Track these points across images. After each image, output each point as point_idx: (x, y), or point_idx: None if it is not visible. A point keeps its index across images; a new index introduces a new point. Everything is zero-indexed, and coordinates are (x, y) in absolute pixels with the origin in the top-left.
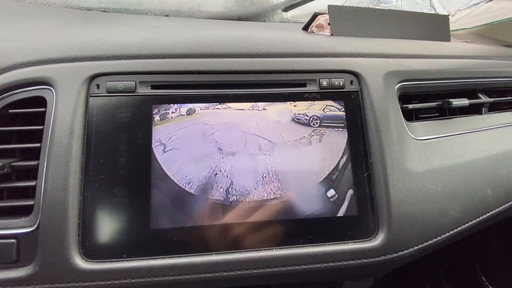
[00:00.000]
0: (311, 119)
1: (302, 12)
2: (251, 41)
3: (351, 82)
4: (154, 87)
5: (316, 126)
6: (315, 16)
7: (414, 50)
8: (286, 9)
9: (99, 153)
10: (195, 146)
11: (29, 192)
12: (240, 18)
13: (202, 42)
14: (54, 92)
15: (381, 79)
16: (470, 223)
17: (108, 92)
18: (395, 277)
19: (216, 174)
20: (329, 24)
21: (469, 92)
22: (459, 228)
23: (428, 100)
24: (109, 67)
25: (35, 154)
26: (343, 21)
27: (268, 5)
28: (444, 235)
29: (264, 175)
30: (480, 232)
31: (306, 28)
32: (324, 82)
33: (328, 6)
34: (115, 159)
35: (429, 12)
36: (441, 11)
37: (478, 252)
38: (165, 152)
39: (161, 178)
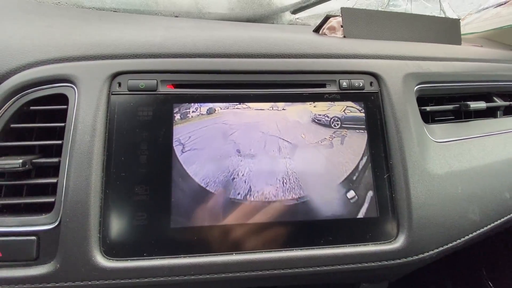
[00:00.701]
0: (331, 120)
1: (309, 14)
2: (269, 41)
3: (371, 84)
4: (175, 86)
5: (337, 127)
6: (327, 18)
7: (430, 53)
8: (295, 11)
9: (120, 151)
10: (215, 146)
11: (48, 189)
12: (248, 20)
13: (221, 42)
14: (76, 89)
15: (401, 80)
16: (489, 226)
17: (129, 90)
18: (400, 280)
19: (237, 174)
20: (341, 26)
21: (484, 95)
22: (478, 231)
23: (443, 102)
24: (130, 65)
25: (55, 151)
26: (356, 23)
27: (277, 7)
28: (463, 238)
29: (284, 175)
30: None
31: (317, 30)
32: (344, 83)
33: (341, 8)
34: (136, 157)
35: (441, 16)
36: (451, 14)
37: (484, 256)
38: (185, 151)
39: (181, 177)
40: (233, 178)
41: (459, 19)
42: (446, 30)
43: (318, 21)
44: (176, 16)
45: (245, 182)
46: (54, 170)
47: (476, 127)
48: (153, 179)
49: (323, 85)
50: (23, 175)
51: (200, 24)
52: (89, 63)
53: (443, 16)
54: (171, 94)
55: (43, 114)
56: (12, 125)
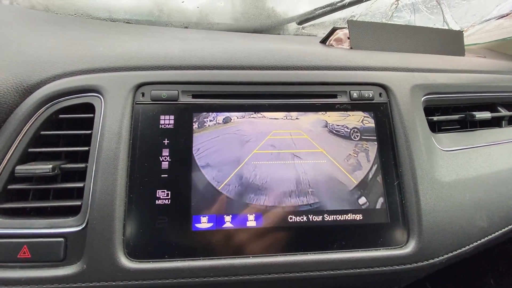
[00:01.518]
0: (342, 127)
1: (313, 23)
2: (283, 54)
3: (380, 94)
4: (195, 96)
5: (348, 136)
6: (333, 30)
7: (436, 65)
8: (301, 23)
9: (143, 157)
10: (232, 153)
11: (73, 193)
12: (255, 30)
13: (237, 55)
14: (102, 99)
15: (408, 91)
16: (497, 233)
17: (152, 100)
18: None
19: (252, 180)
20: (348, 38)
21: (489, 105)
22: (487, 238)
23: (449, 112)
24: (153, 77)
25: (80, 157)
26: (362, 35)
27: (283, 19)
28: (472, 244)
29: (298, 182)
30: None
31: (324, 41)
32: (355, 94)
33: (348, 21)
34: (158, 163)
35: (444, 28)
36: (454, 26)
37: (492, 266)
38: (204, 157)
39: (201, 182)
40: (249, 184)
41: (462, 31)
42: (450, 41)
43: (323, 31)
44: (186, 27)
45: (260, 188)
46: (79, 174)
47: (482, 136)
48: (174, 184)
49: (335, 96)
50: (50, 179)
51: (212, 36)
52: (115, 74)
53: (446, 27)
54: (191, 104)
55: (69, 122)
56: (42, 132)
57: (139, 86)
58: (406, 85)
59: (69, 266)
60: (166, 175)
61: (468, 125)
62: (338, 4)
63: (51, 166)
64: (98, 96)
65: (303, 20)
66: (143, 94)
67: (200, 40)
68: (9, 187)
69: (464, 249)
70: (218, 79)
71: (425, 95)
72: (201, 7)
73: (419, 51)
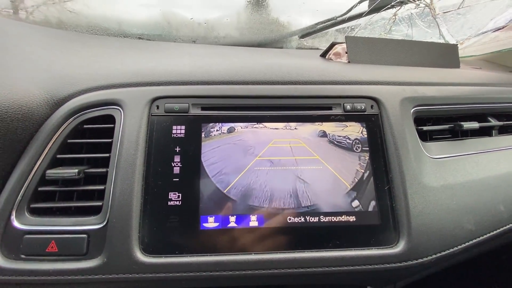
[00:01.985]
0: (337, 136)
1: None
2: (283, 70)
3: (372, 107)
4: (203, 108)
5: (343, 143)
6: (332, 45)
7: (427, 78)
8: (303, 36)
9: (157, 163)
10: (236, 160)
11: (94, 194)
12: (259, 44)
13: (241, 71)
14: (122, 111)
15: (398, 104)
16: (485, 236)
17: (166, 112)
18: None
19: (255, 184)
20: (346, 52)
21: (479, 115)
22: (474, 240)
23: (441, 122)
24: (167, 91)
25: (101, 162)
26: (360, 50)
27: (286, 33)
28: (460, 246)
29: (296, 186)
30: (498, 252)
31: (324, 55)
32: (348, 106)
33: (346, 37)
34: (170, 168)
35: (439, 42)
36: (450, 39)
37: (496, 273)
38: (211, 163)
39: (208, 185)
40: (252, 188)
41: (457, 44)
42: (445, 54)
43: (324, 44)
44: (194, 41)
45: (262, 191)
46: (99, 178)
47: (471, 145)
48: (184, 187)
49: (330, 108)
50: (75, 182)
51: (219, 51)
52: (133, 90)
53: (443, 40)
54: (200, 115)
55: (92, 130)
56: (69, 140)
57: (154, 99)
58: (396, 98)
59: (91, 260)
60: (177, 179)
61: (459, 134)
62: (339, 19)
63: (77, 170)
64: (118, 109)
65: (305, 34)
66: (157, 107)
67: (209, 56)
68: (40, 189)
69: (452, 250)
70: (224, 93)
71: (414, 107)
72: (208, 23)
73: (414, 64)
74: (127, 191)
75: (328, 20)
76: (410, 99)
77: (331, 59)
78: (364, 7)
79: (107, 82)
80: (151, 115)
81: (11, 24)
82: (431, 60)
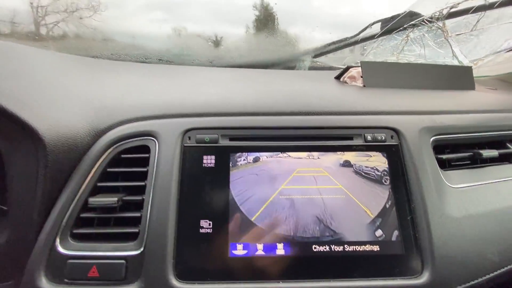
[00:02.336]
0: (359, 166)
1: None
2: (304, 100)
3: (392, 137)
4: (231, 139)
5: (365, 172)
6: (347, 68)
7: (444, 106)
8: (316, 56)
9: (190, 191)
10: (262, 188)
11: (131, 221)
12: (273, 64)
13: (266, 103)
14: (156, 142)
15: (417, 134)
16: (509, 267)
17: (197, 142)
18: None
19: (281, 212)
20: (361, 76)
21: (498, 142)
22: (498, 271)
23: (460, 149)
24: (198, 123)
25: (137, 190)
26: (375, 74)
27: (299, 53)
28: (484, 277)
29: (320, 214)
30: None
31: (338, 77)
32: (369, 137)
33: (361, 62)
34: (201, 197)
35: (452, 62)
36: (463, 59)
37: None
38: (239, 192)
39: (237, 214)
40: (278, 216)
41: (471, 66)
42: (460, 77)
43: (336, 63)
44: (211, 62)
45: (288, 219)
46: (135, 205)
47: (491, 173)
48: (215, 215)
49: (351, 138)
50: (113, 209)
51: (238, 75)
52: (166, 122)
53: (456, 61)
54: (228, 146)
55: (128, 160)
56: (108, 169)
57: (187, 131)
58: (415, 128)
59: (129, 285)
60: (208, 207)
61: (478, 161)
62: (351, 40)
63: (116, 198)
64: (153, 140)
65: (318, 54)
66: (189, 138)
67: (230, 81)
68: (82, 215)
69: (476, 281)
70: (250, 125)
71: (433, 136)
72: (224, 44)
73: (430, 88)
74: (162, 218)
75: (341, 40)
76: (428, 129)
77: (346, 82)
78: (376, 28)
79: (142, 114)
80: (184, 146)
81: (47, 55)
82: (446, 82)
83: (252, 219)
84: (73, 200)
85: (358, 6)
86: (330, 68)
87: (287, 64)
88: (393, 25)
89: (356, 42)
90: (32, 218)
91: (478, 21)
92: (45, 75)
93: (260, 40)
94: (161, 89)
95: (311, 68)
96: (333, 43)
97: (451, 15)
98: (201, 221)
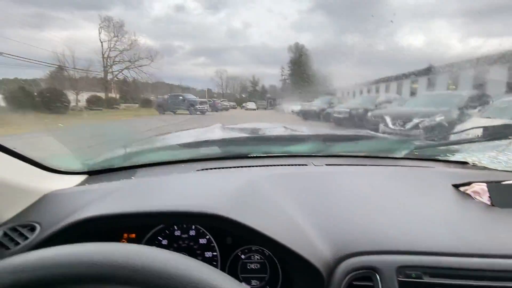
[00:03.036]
0: None
1: None
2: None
3: None
4: (431, 275)
5: None
6: (469, 182)
7: None
8: (416, 148)
9: None
10: None
11: None
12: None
13: (464, 245)
14: (377, 275)
15: None
16: None
17: (405, 277)
18: None
19: None
20: (489, 196)
21: None
22: None
23: None
24: (405, 261)
25: None
26: (502, 194)
27: (399, 144)
28: None
29: None
30: None
31: (457, 187)
32: None
33: (487, 184)
34: None
35: None
36: None
37: None
38: None
39: None
40: None
41: None
42: None
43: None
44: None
45: None
46: None
47: None
48: None
49: None
50: None
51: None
52: (382, 257)
53: None
54: (430, 283)
55: (357, 286)
56: None
57: (399, 267)
58: None
59: None
60: None
61: None
62: (453, 139)
63: None
64: (374, 272)
65: (419, 146)
66: (400, 272)
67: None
68: None
69: None
70: (452, 266)
71: None
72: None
73: None
74: None
75: (443, 137)
76: None
77: (469, 194)
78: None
79: (366, 249)
80: (398, 279)
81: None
82: None
83: None
84: None
85: None
86: (433, 161)
87: (385, 154)
88: (497, 135)
89: (458, 143)
90: None
91: None
92: None
93: None
94: (375, 226)
95: (408, 158)
96: (436, 139)
97: None
98: None
